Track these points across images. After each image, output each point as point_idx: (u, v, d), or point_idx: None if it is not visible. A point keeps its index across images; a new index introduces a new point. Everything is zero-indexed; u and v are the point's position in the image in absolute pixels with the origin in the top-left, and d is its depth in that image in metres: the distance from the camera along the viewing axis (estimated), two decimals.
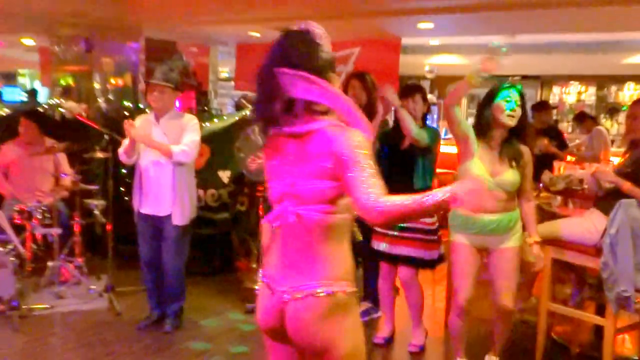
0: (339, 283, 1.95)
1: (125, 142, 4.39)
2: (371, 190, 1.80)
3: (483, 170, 3.52)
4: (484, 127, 3.56)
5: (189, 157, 4.33)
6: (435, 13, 7.08)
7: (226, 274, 6.00)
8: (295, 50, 1.93)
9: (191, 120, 4.46)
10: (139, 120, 4.45)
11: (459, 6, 6.81)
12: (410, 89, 4.22)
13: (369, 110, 4.22)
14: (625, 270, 3.68)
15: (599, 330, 4.19)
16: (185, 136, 4.33)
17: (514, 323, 4.29)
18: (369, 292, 4.76)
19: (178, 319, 4.61)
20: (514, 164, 3.49)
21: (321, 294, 1.93)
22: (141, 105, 6.34)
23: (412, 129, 3.97)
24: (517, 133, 3.51)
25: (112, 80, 7.03)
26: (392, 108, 4.11)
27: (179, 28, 7.68)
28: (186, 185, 4.45)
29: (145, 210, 4.43)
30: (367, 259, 4.59)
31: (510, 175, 3.50)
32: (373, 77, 4.50)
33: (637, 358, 4.02)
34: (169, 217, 4.40)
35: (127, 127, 4.29)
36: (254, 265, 5.47)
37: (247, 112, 6.30)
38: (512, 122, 3.47)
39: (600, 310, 4.17)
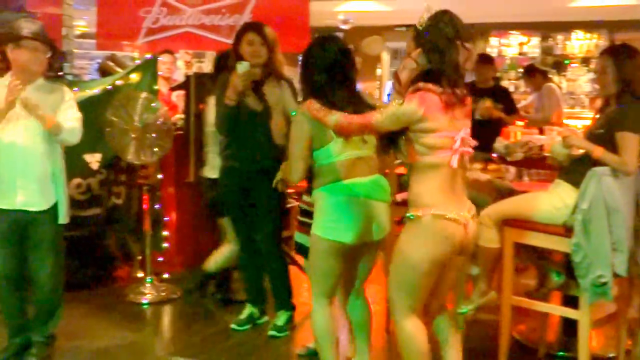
0: None
1: None
2: None
3: None
4: None
5: (78, 137, 3.47)
6: None
7: (102, 287, 4.70)
8: None
9: (68, 92, 3.49)
10: None
11: None
12: None
13: (270, 69, 3.54)
14: (601, 252, 3.01)
15: (567, 326, 3.38)
16: (67, 111, 3.40)
17: (469, 323, 3.41)
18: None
19: (47, 347, 3.51)
20: None
21: None
22: None
23: None
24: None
25: None
26: None
27: None
28: (62, 170, 3.46)
29: (4, 204, 3.32)
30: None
31: None
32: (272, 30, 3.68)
33: (614, 355, 3.20)
34: (43, 213, 3.35)
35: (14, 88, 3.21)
36: (139, 274, 4.48)
37: (116, 77, 4.82)
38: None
39: (569, 303, 3.30)
